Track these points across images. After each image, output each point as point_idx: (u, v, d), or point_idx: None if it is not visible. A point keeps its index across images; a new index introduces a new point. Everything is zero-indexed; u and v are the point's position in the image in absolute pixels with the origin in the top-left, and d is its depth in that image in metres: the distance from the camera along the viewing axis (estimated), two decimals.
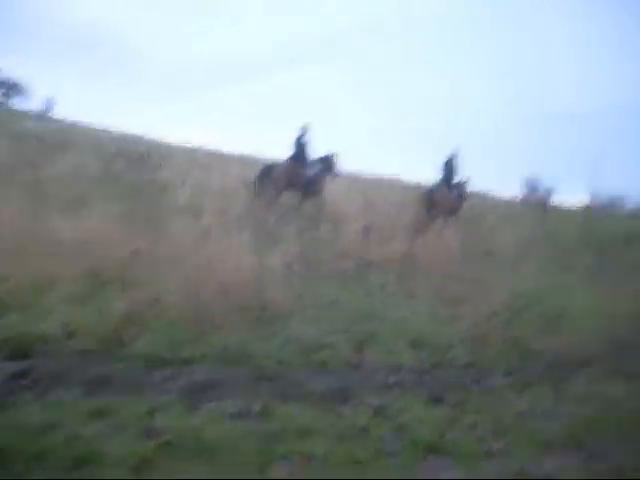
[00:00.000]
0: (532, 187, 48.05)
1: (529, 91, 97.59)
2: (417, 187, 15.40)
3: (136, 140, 20.77)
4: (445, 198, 12.84)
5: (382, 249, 9.55)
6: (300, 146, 12.85)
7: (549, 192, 32.07)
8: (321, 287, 7.56)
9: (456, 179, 13.40)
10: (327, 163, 12.98)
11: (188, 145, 22.07)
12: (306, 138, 12.90)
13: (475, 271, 9.19)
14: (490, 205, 18.82)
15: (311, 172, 12.74)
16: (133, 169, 13.81)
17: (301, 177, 12.59)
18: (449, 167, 13.38)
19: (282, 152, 13.19)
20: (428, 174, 14.61)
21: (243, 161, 18.38)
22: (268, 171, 12.47)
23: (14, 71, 35.55)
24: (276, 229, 9.59)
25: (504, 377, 5.50)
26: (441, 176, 13.37)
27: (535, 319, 7.42)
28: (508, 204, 22.47)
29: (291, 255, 7.87)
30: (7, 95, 35.92)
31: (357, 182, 17.17)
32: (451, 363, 5.71)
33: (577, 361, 6.15)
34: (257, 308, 6.12)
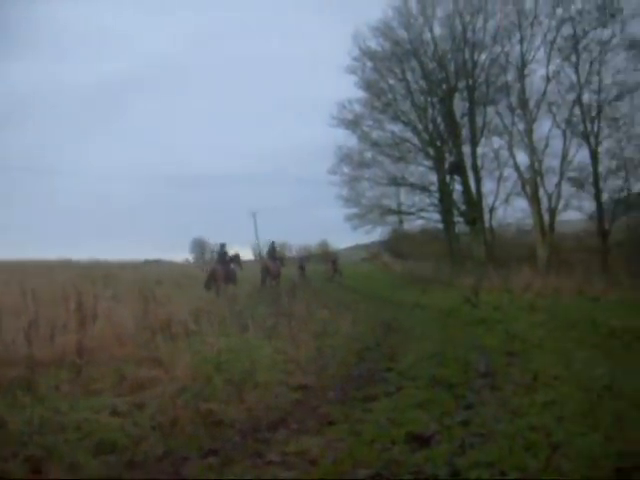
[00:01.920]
0: (200, 247, 49.16)
1: (174, 156, 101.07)
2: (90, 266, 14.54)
3: None
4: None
5: (52, 345, 8.58)
6: None
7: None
8: None
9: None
10: None
11: None
12: None
13: (156, 347, 8.77)
14: (166, 270, 18.73)
15: None
16: None
17: None
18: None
19: None
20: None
21: None
22: None
23: None
24: None
25: (202, 459, 5.15)
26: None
27: (224, 386, 7.30)
28: (182, 267, 22.61)
29: None
30: None
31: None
32: (145, 459, 5.18)
33: (271, 423, 6.14)
34: None
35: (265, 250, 34.21)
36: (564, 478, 4.18)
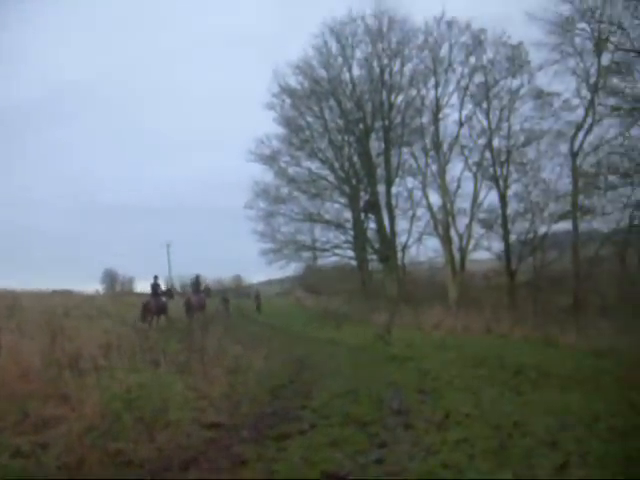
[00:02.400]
0: (111, 278, 47.86)
1: (83, 186, 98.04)
2: None
3: None
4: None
5: None
6: None
7: (130, 281, 32.84)
8: None
9: None
10: None
11: None
12: None
13: (63, 383, 8.41)
14: (76, 301, 18.12)
15: None
16: None
17: None
18: None
19: None
20: None
21: None
22: None
23: None
24: None
25: None
26: None
27: (134, 424, 7.07)
28: (93, 298, 21.98)
29: None
30: None
31: None
32: None
33: (182, 462, 5.98)
34: None
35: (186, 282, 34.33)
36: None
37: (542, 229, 30.91)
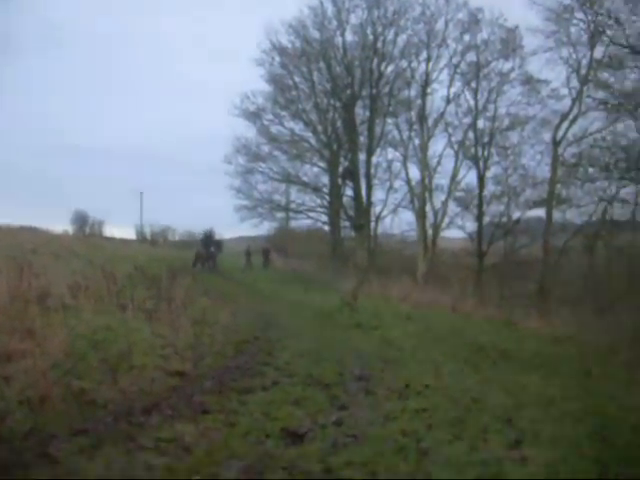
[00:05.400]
0: (81, 220, 47.29)
1: (55, 124, 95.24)
2: None
3: None
4: None
5: None
6: None
7: (100, 224, 32.70)
8: None
9: None
10: None
11: None
12: None
13: (29, 319, 8.35)
14: (45, 239, 17.90)
15: None
16: None
17: None
18: None
19: None
20: None
21: None
22: None
23: None
24: None
25: (71, 439, 4.97)
26: None
27: (98, 365, 7.09)
28: (61, 237, 21.73)
29: None
30: None
31: None
32: (11, 435, 4.94)
33: (145, 407, 6.03)
34: None
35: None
36: None
37: (516, 214, 31.28)
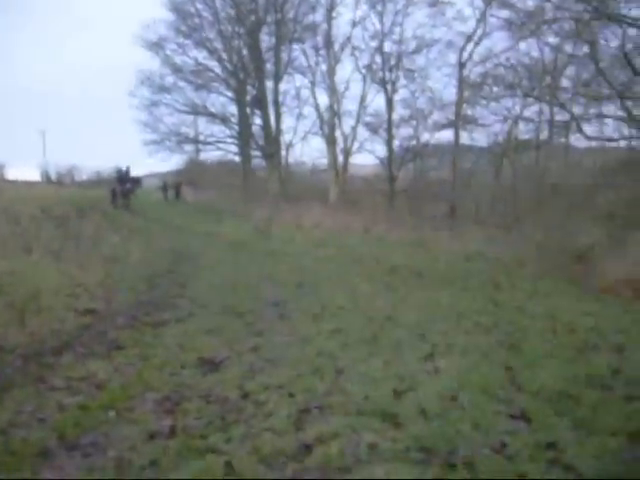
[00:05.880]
0: None
1: None
2: None
3: None
4: None
5: None
6: None
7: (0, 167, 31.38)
8: None
9: None
10: None
11: None
12: None
13: None
14: None
15: None
16: None
17: None
18: None
19: None
20: None
21: None
22: None
23: None
24: None
25: None
26: None
27: (4, 310, 6.85)
28: None
29: None
30: None
31: None
32: None
33: (56, 347, 5.90)
34: None
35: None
36: None
37: (425, 137, 31.69)
